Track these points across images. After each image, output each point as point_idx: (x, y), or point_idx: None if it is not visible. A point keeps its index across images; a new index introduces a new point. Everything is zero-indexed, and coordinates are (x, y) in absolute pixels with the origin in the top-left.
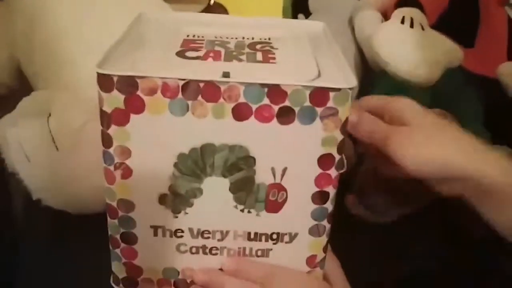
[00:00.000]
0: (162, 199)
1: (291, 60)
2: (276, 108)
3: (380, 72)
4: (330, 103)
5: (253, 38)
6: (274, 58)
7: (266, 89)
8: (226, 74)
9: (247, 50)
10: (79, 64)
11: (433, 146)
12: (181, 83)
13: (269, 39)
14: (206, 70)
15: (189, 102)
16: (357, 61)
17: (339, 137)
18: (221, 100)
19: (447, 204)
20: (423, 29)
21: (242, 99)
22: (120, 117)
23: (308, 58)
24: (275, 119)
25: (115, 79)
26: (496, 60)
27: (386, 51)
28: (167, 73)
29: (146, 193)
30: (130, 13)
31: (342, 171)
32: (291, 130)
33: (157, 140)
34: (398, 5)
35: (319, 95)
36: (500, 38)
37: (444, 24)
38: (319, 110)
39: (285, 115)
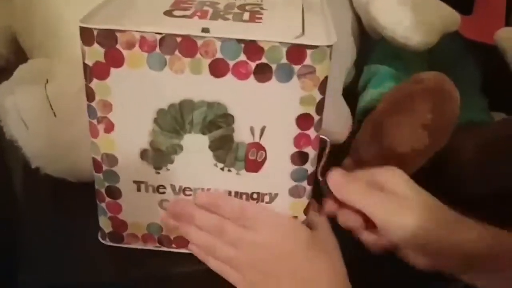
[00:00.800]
0: (143, 154)
1: (276, 20)
2: (253, 64)
3: (378, 39)
4: (307, 61)
5: (245, 0)
6: (260, 18)
7: (242, 45)
8: (205, 30)
9: (235, 10)
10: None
11: (406, 214)
12: (158, 37)
13: (261, 1)
14: (186, 26)
15: (167, 57)
16: (354, 29)
17: (318, 96)
18: (198, 55)
19: None
20: None
21: (219, 55)
22: (101, 71)
23: (295, 19)
24: (252, 76)
25: (95, 32)
26: (494, 27)
27: (382, 15)
28: (145, 28)
29: (128, 148)
30: None
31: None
32: (269, 88)
33: (137, 95)
34: None
35: (296, 52)
36: (498, 5)
37: None
38: (296, 67)
39: (262, 72)
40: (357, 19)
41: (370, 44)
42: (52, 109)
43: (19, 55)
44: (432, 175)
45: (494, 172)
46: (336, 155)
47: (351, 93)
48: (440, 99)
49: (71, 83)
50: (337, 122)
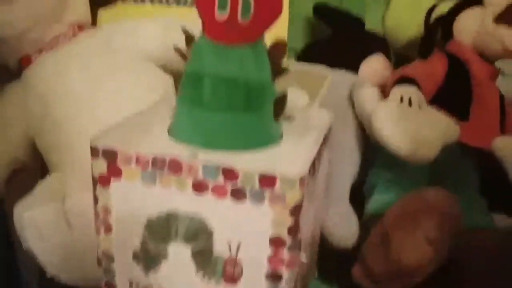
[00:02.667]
0: (135, 256)
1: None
2: (230, 187)
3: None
4: (277, 188)
5: None
6: None
7: (221, 169)
8: (192, 154)
9: None
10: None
11: None
12: (151, 157)
13: None
14: (177, 148)
15: (157, 173)
16: (358, 135)
17: (289, 221)
18: (183, 174)
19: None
20: (420, 107)
21: (200, 176)
22: (104, 181)
23: (284, 147)
24: (229, 197)
25: (100, 149)
26: (490, 133)
27: (386, 131)
28: (141, 149)
29: (123, 249)
30: (142, 91)
31: (297, 254)
32: (243, 209)
33: (131, 203)
34: (396, 83)
35: (267, 180)
36: (493, 111)
37: (440, 100)
38: (267, 193)
39: (237, 194)
40: (362, 127)
41: (374, 148)
42: (68, 224)
43: (35, 158)
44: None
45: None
46: (344, 260)
47: (356, 196)
48: (443, 216)
49: (86, 199)
50: (344, 226)
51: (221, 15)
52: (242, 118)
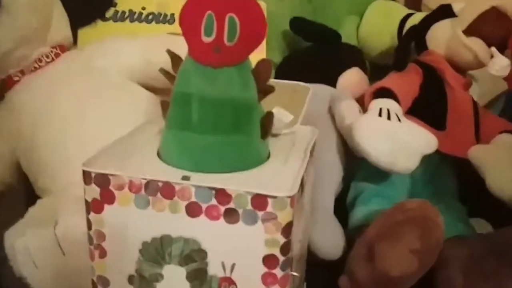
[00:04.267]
0: (130, 280)
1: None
2: (222, 208)
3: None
4: (269, 208)
5: None
6: None
7: (213, 192)
8: (185, 178)
9: None
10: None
11: None
12: (143, 181)
13: None
14: (170, 172)
15: (150, 198)
16: (340, 148)
17: (281, 239)
18: (176, 198)
19: None
20: (399, 120)
21: (193, 199)
22: (97, 206)
23: (272, 166)
24: (222, 218)
25: (93, 175)
26: (466, 141)
27: (366, 144)
28: (133, 173)
29: (118, 273)
30: (127, 112)
31: (289, 272)
32: (236, 229)
33: (126, 228)
34: (374, 95)
35: (260, 200)
36: (468, 120)
37: (417, 110)
38: (260, 213)
39: (231, 215)
40: (342, 139)
41: (355, 160)
42: (61, 249)
43: (20, 181)
44: None
45: None
46: (331, 272)
47: (338, 206)
48: (426, 226)
49: (78, 224)
50: (330, 240)
51: (207, 40)
52: (230, 139)
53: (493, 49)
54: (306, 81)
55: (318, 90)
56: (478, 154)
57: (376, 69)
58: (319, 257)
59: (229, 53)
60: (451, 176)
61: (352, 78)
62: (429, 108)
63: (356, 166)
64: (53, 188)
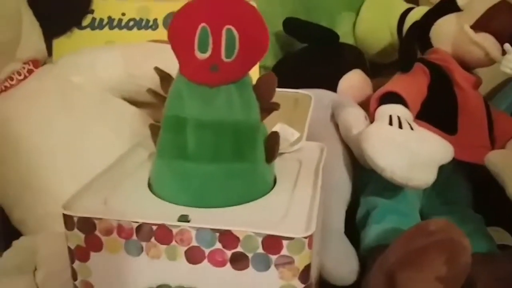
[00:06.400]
0: None
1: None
2: (229, 253)
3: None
4: (284, 251)
5: None
6: None
7: (217, 234)
8: (182, 217)
9: None
10: (54, 197)
11: None
12: (135, 225)
13: None
14: (165, 211)
15: (143, 243)
16: (347, 162)
17: (299, 285)
18: (174, 242)
19: None
20: (411, 128)
21: (194, 243)
22: (82, 254)
23: (282, 195)
24: (228, 264)
25: (75, 219)
26: (479, 145)
27: (379, 159)
28: (122, 216)
29: None
30: (113, 134)
31: None
32: (246, 276)
33: (116, 278)
34: (381, 100)
35: (272, 242)
36: (480, 121)
37: (426, 113)
38: (273, 257)
39: (239, 260)
40: (348, 150)
41: (364, 172)
42: None
43: None
44: None
45: None
46: None
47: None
48: (453, 251)
49: (60, 270)
50: (344, 265)
51: (201, 56)
52: (232, 168)
53: (507, 45)
54: (304, 86)
55: (319, 97)
56: (496, 160)
57: (374, 67)
58: (332, 283)
59: (228, 70)
60: (464, 183)
61: (354, 81)
62: (438, 111)
63: (365, 178)
64: (29, 220)
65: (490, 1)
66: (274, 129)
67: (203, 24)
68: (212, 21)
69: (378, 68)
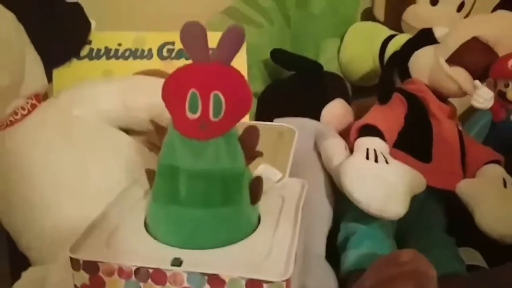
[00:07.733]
0: None
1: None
2: None
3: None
4: None
5: None
6: None
7: (206, 277)
8: (175, 261)
9: None
10: (58, 224)
11: None
12: (133, 268)
13: None
14: (161, 255)
15: (141, 284)
16: (328, 189)
17: None
18: (168, 284)
19: None
20: (386, 161)
21: (186, 284)
22: None
23: (265, 235)
24: None
25: (81, 261)
26: (452, 172)
27: (355, 192)
28: (122, 260)
29: None
30: (110, 162)
31: None
32: None
33: None
34: (360, 133)
35: (255, 284)
36: (453, 149)
37: (402, 142)
38: None
39: None
40: (330, 177)
41: (344, 199)
42: None
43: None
44: None
45: None
46: None
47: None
48: (420, 280)
49: None
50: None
51: (192, 116)
52: (221, 212)
53: (477, 82)
54: (289, 112)
55: (303, 126)
56: (466, 190)
57: (356, 89)
58: None
59: (215, 128)
60: (438, 208)
61: (336, 110)
62: (414, 140)
63: (345, 205)
64: (39, 248)
65: (463, 37)
66: (257, 170)
67: (193, 90)
68: (201, 87)
69: (360, 90)
